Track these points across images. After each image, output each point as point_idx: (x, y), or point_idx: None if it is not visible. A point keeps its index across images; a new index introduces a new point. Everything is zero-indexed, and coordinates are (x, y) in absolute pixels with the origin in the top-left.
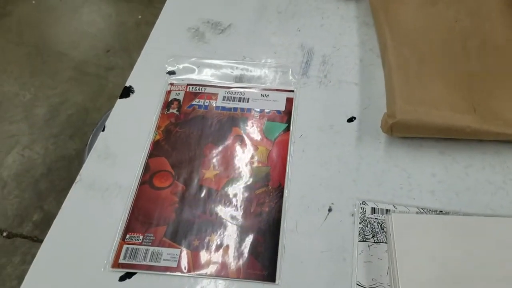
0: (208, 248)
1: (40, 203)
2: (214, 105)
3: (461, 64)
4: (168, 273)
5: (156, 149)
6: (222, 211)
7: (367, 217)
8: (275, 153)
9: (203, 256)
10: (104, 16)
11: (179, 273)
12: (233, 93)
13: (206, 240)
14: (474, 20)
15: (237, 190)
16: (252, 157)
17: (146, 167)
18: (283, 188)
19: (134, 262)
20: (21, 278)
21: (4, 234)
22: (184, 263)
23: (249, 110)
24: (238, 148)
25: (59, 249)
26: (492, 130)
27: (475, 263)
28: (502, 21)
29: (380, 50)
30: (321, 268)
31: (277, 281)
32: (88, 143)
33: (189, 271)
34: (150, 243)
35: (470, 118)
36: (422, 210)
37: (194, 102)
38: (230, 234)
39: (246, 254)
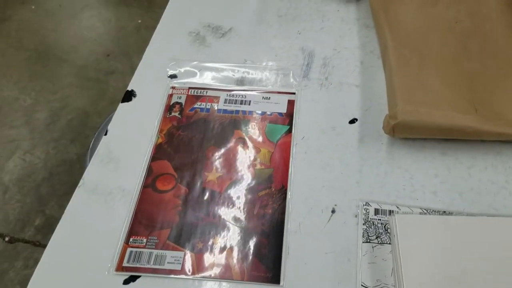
0: (212, 251)
1: (42, 207)
2: (216, 108)
3: (462, 65)
4: (172, 276)
5: (158, 152)
6: (225, 213)
7: (370, 218)
8: (277, 155)
9: (207, 258)
10: (104, 20)
11: (183, 276)
12: (235, 96)
13: (209, 243)
14: (474, 21)
15: (240, 192)
16: (255, 159)
17: (149, 171)
18: (286, 190)
19: (138, 265)
20: (23, 283)
21: (6, 239)
22: (188, 265)
23: (251, 112)
24: (240, 150)
25: (62, 253)
26: (494, 130)
27: (479, 263)
28: (502, 21)
29: (381, 52)
30: (325, 270)
31: (281, 283)
32: (90, 147)
33: (193, 273)
34: (153, 246)
35: (472, 119)
36: (425, 211)
37: (196, 105)
38: (233, 236)
39: (250, 256)
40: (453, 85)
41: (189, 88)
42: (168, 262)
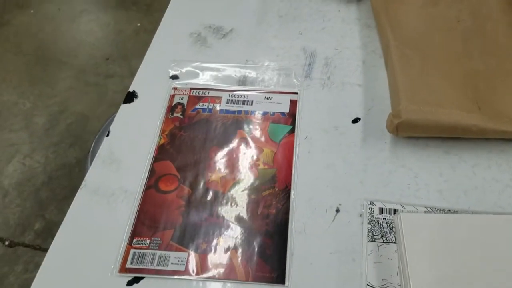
0: (216, 251)
1: (42, 211)
2: (218, 108)
3: (464, 64)
4: (176, 277)
5: (161, 153)
6: (229, 213)
7: (375, 218)
8: (280, 155)
9: (211, 259)
10: (103, 24)
11: (187, 277)
12: (237, 96)
13: (213, 243)
14: (476, 20)
15: (243, 193)
16: (258, 159)
17: (152, 171)
18: (289, 189)
19: (141, 266)
20: (23, 287)
21: (6, 243)
22: (192, 266)
23: (253, 112)
24: (243, 150)
25: (65, 255)
26: (498, 128)
27: (486, 261)
28: (504, 20)
29: (383, 51)
30: (330, 270)
31: (286, 283)
32: (91, 149)
33: (197, 274)
34: (157, 247)
35: (476, 117)
36: (430, 210)
37: (198, 106)
38: (237, 236)
39: (254, 257)
40: (456, 83)
41: (191, 88)
42: (171, 263)
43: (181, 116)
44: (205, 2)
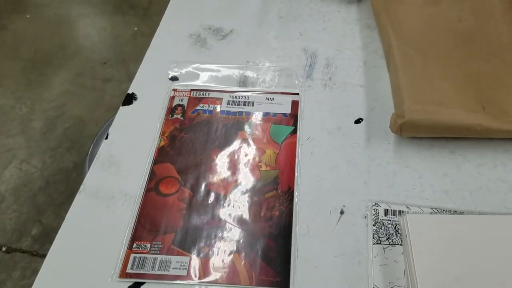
0: (218, 255)
1: (39, 217)
2: (219, 109)
3: (467, 63)
4: (178, 281)
5: (161, 155)
6: (231, 216)
7: (380, 219)
8: (283, 156)
9: (214, 263)
10: (100, 29)
11: (189, 282)
12: (238, 97)
13: (215, 247)
14: (478, 19)
15: (245, 195)
16: (260, 160)
17: (152, 174)
18: (292, 191)
19: (142, 271)
20: None
21: (3, 249)
22: (194, 271)
23: (255, 113)
24: (245, 152)
25: (64, 260)
26: (503, 128)
27: (494, 262)
28: (506, 20)
29: (384, 51)
30: (336, 273)
31: (291, 287)
32: (89, 153)
33: (199, 279)
34: (158, 252)
35: (480, 116)
36: (436, 211)
37: (198, 107)
38: (240, 239)
39: (258, 260)
40: (459, 83)
41: (191, 90)
42: (173, 268)
43: (181, 118)
44: (204, 3)
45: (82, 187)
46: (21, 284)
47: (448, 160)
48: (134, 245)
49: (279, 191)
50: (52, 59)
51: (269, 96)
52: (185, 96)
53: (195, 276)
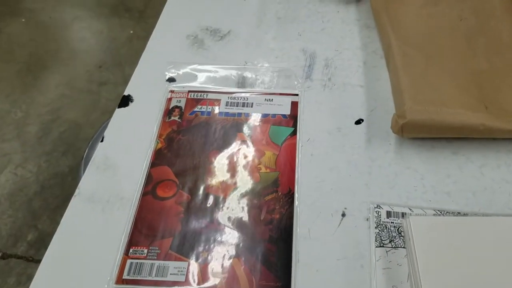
0: (217, 260)
1: (34, 222)
2: (217, 111)
3: (468, 63)
4: (176, 287)
5: (158, 158)
6: (231, 219)
7: (382, 221)
8: (282, 158)
9: (213, 268)
10: (95, 32)
11: (188, 287)
12: (236, 98)
13: (214, 251)
14: (478, 18)
15: (245, 197)
16: (259, 162)
17: (149, 177)
18: (293, 193)
19: (139, 277)
20: None
21: None
22: (192, 276)
23: (254, 115)
24: (244, 154)
25: (59, 266)
26: (507, 127)
27: (499, 265)
28: (507, 18)
29: (384, 51)
30: (338, 277)
31: None
32: (84, 156)
33: (198, 284)
34: (155, 257)
35: (483, 116)
36: (439, 212)
37: (196, 109)
38: (240, 244)
39: (258, 265)
40: (461, 83)
41: (189, 91)
42: (171, 274)
43: (179, 120)
44: (201, 4)
45: (77, 191)
46: None
47: (450, 161)
48: (131, 250)
49: (279, 193)
50: (47, 63)
51: (268, 97)
52: (183, 97)
53: (194, 282)
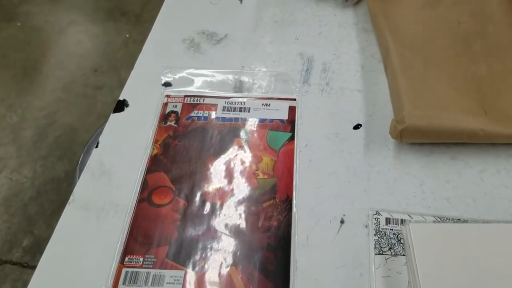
0: (214, 268)
1: (30, 227)
2: (214, 116)
3: (467, 66)
4: None
5: (154, 164)
6: (228, 227)
7: (382, 228)
8: (280, 164)
9: (210, 276)
10: (91, 36)
11: None
12: (233, 103)
13: (211, 259)
14: (477, 22)
15: (242, 204)
16: (257, 168)
17: (144, 184)
18: (291, 200)
19: (134, 286)
20: None
21: None
22: (189, 285)
23: (251, 120)
24: (241, 159)
25: (53, 275)
26: (507, 132)
27: (500, 272)
28: (506, 22)
29: (382, 55)
30: (337, 285)
31: None
32: (79, 162)
33: None
34: (151, 266)
35: (483, 121)
36: (439, 219)
37: (192, 114)
38: (237, 251)
39: (255, 273)
40: (460, 87)
41: (185, 96)
42: (167, 283)
43: (175, 125)
44: (197, 8)
45: (71, 198)
46: None
47: (449, 166)
48: (126, 259)
49: (277, 200)
50: (42, 67)
51: (265, 101)
52: (179, 102)
53: None
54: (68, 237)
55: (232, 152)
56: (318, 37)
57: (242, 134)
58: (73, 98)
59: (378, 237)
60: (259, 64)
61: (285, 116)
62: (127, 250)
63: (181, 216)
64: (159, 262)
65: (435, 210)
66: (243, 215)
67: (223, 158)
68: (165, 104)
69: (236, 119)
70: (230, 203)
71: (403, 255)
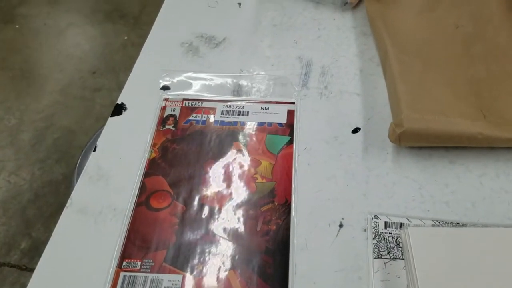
0: (212, 272)
1: (28, 230)
2: (212, 119)
3: (466, 70)
4: None
5: (152, 167)
6: (226, 231)
7: (380, 232)
8: (279, 168)
9: (208, 281)
10: (89, 38)
11: None
12: (232, 106)
13: (210, 263)
14: (476, 25)
15: (241, 208)
16: (255, 172)
17: (142, 187)
18: (290, 204)
19: None
20: None
21: None
22: None
23: (249, 123)
24: (239, 163)
25: (50, 279)
26: (506, 136)
27: (499, 276)
28: (504, 25)
29: (380, 59)
30: None
31: None
32: (77, 165)
33: None
34: (149, 270)
35: (481, 125)
36: (438, 223)
37: (191, 117)
38: (235, 255)
39: (254, 277)
40: (459, 91)
41: (183, 99)
42: (165, 287)
43: (173, 129)
44: (196, 11)
45: (69, 201)
46: None
47: (448, 170)
48: (124, 263)
49: (276, 204)
50: (41, 69)
51: (264, 105)
52: (177, 106)
53: None
54: (66, 241)
55: (230, 155)
56: (317, 40)
57: (241, 137)
58: (71, 100)
59: (377, 241)
60: (257, 67)
61: (283, 120)
62: (125, 254)
63: (179, 220)
64: (157, 266)
65: (434, 214)
66: (241, 219)
67: (221, 162)
68: (164, 108)
69: (235, 123)
70: (229, 207)
71: (402, 259)
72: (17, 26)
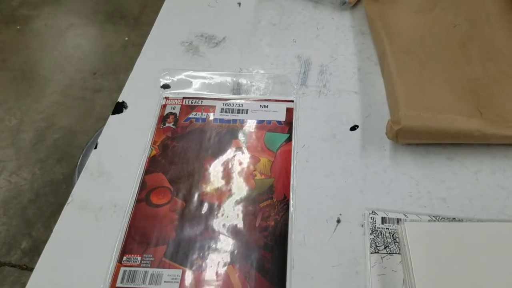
0: (212, 267)
1: (28, 230)
2: (212, 117)
3: (463, 68)
4: None
5: (152, 165)
6: (225, 227)
7: (377, 228)
8: (278, 165)
9: (207, 275)
10: (90, 39)
11: None
12: (231, 104)
13: (209, 259)
14: (473, 24)
15: (240, 204)
16: (254, 169)
17: (143, 184)
18: (288, 200)
19: (132, 285)
20: None
21: None
22: (186, 284)
23: (249, 121)
24: (239, 160)
25: (51, 274)
26: (502, 133)
27: (494, 270)
28: (501, 24)
29: (379, 58)
30: (333, 284)
31: None
32: (78, 163)
33: None
34: (149, 265)
35: (478, 122)
36: (434, 218)
37: (191, 115)
38: (234, 251)
39: (252, 272)
40: (456, 89)
41: (184, 98)
42: (165, 281)
43: (174, 126)
44: (196, 11)
45: (70, 198)
46: None
47: (445, 167)
48: (124, 258)
49: (275, 200)
50: (41, 70)
51: (263, 103)
52: (177, 104)
53: None
54: (66, 237)
55: (230, 153)
56: (316, 39)
57: (240, 135)
58: (71, 101)
59: (374, 236)
60: (257, 66)
61: (282, 118)
62: (125, 249)
63: (179, 216)
64: (157, 261)
65: (430, 209)
66: (240, 215)
67: (221, 159)
68: (164, 106)
69: (234, 121)
70: (228, 203)
71: (399, 253)
72: (18, 27)
